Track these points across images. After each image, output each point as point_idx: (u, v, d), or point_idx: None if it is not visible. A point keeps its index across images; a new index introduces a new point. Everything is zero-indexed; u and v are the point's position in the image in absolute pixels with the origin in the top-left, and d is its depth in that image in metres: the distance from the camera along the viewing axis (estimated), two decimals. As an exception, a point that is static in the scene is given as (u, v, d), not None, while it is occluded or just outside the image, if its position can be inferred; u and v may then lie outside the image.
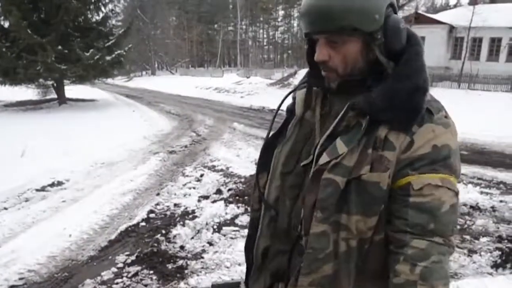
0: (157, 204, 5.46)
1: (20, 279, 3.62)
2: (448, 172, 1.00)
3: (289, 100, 1.32)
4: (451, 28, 27.11)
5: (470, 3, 29.49)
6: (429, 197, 0.98)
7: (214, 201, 5.49)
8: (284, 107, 1.33)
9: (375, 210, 1.00)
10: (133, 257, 3.97)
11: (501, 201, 5.54)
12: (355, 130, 1.04)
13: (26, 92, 18.79)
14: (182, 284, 3.54)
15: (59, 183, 6.35)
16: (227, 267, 3.81)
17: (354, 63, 1.05)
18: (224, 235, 4.49)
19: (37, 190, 5.99)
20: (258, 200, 1.28)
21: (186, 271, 3.75)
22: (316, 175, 1.05)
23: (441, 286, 0.96)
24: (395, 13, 1.07)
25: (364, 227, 1.01)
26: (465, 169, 7.14)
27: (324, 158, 1.04)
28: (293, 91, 1.28)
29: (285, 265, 1.19)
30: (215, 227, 4.70)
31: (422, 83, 1.04)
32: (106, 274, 3.69)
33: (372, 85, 1.05)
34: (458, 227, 4.68)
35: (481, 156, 8.63)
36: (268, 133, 1.29)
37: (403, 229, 1.00)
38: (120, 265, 3.87)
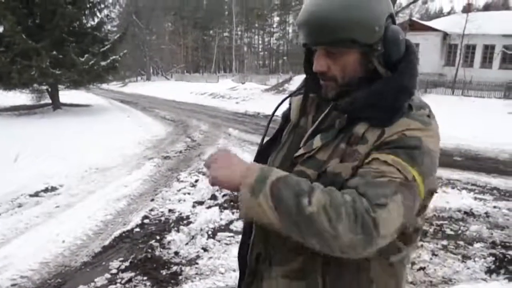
0: (152, 210, 5.43)
1: (13, 285, 3.58)
2: (409, 161, 0.95)
3: (284, 106, 1.33)
4: (445, 35, 27.32)
5: (463, 11, 29.78)
6: (373, 169, 0.95)
7: (209, 207, 5.47)
8: (279, 113, 1.34)
9: None
10: (127, 263, 3.95)
11: (494, 207, 5.57)
12: (334, 128, 1.05)
13: (20, 97, 18.70)
14: (176, 290, 3.52)
15: (53, 189, 6.31)
16: (222, 273, 3.79)
17: (353, 73, 1.06)
18: (219, 241, 4.47)
19: (30, 195, 5.95)
20: None
21: (180, 277, 3.73)
22: (290, 168, 1.08)
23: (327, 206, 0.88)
24: (394, 23, 1.07)
25: None
26: (459, 175, 7.18)
27: (299, 152, 1.07)
28: (288, 97, 1.29)
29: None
30: (209, 233, 4.68)
31: (409, 86, 1.04)
32: (100, 280, 3.67)
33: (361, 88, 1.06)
34: (453, 233, 4.70)
35: (475, 162, 8.67)
36: (262, 139, 1.30)
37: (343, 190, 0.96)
38: (114, 271, 3.84)
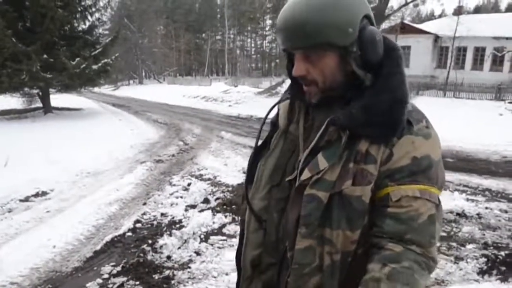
0: (144, 214, 5.40)
1: (2, 291, 3.54)
2: (429, 183, 1.00)
3: (274, 111, 1.32)
4: (436, 38, 27.54)
5: (454, 13, 29.98)
6: (406, 208, 0.98)
7: (201, 210, 5.45)
8: (272, 116, 1.33)
9: (358, 224, 1.01)
10: (118, 268, 3.92)
11: (486, 208, 5.59)
12: (336, 145, 1.03)
13: (11, 101, 18.54)
14: (168, 295, 3.49)
15: (44, 193, 6.25)
16: (214, 277, 3.76)
17: (332, 76, 1.05)
18: (212, 245, 4.45)
19: (20, 200, 5.89)
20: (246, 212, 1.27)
21: (172, 282, 3.70)
22: (298, 191, 1.05)
23: None
24: (372, 24, 1.06)
25: (347, 241, 1.01)
26: (451, 176, 7.21)
27: (305, 174, 1.04)
28: (278, 103, 1.29)
29: (275, 278, 1.19)
30: (202, 236, 4.66)
31: (400, 95, 1.03)
32: (91, 286, 3.63)
33: (352, 98, 1.05)
34: (445, 234, 4.71)
35: (466, 163, 8.72)
36: (256, 145, 1.30)
37: (380, 235, 1.00)
38: (106, 276, 3.80)
